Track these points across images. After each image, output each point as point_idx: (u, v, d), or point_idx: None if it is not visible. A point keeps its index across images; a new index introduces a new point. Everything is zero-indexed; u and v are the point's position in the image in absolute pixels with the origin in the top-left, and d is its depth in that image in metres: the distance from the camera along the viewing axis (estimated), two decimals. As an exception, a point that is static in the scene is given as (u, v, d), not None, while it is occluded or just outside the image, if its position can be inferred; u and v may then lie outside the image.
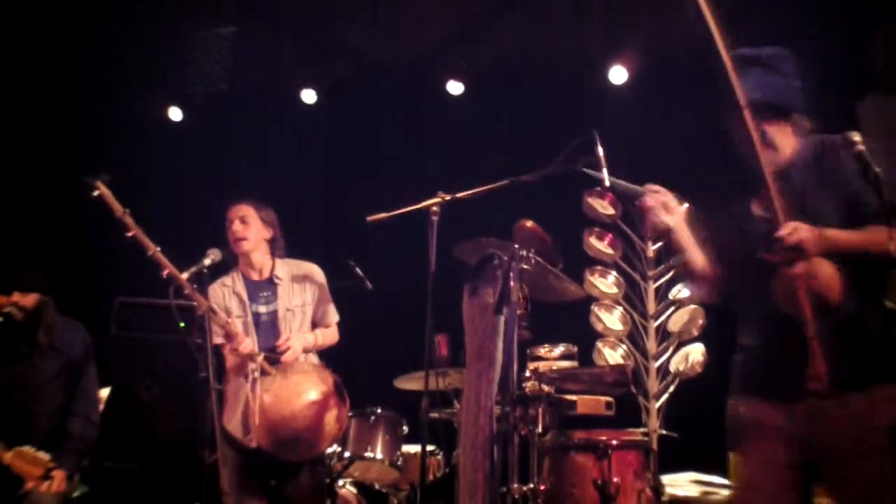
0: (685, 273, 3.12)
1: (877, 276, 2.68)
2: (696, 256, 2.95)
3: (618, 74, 6.32)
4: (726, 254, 2.91)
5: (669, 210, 2.95)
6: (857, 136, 2.66)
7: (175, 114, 7.27)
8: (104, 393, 4.92)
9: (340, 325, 4.64)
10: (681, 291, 5.44)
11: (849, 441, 2.56)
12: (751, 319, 2.90)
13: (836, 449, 2.59)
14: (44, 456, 4.01)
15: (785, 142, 2.81)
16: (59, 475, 4.05)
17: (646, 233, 5.47)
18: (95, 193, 3.76)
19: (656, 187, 2.98)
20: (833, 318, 2.55)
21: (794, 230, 2.55)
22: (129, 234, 3.81)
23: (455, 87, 6.75)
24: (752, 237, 2.73)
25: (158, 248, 3.84)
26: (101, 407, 4.71)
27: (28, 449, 4.01)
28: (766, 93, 2.72)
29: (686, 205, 3.08)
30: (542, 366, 4.31)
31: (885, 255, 2.52)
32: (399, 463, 4.93)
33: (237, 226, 4.43)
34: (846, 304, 2.56)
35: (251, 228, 4.44)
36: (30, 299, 4.26)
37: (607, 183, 3.25)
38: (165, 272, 3.84)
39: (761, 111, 2.70)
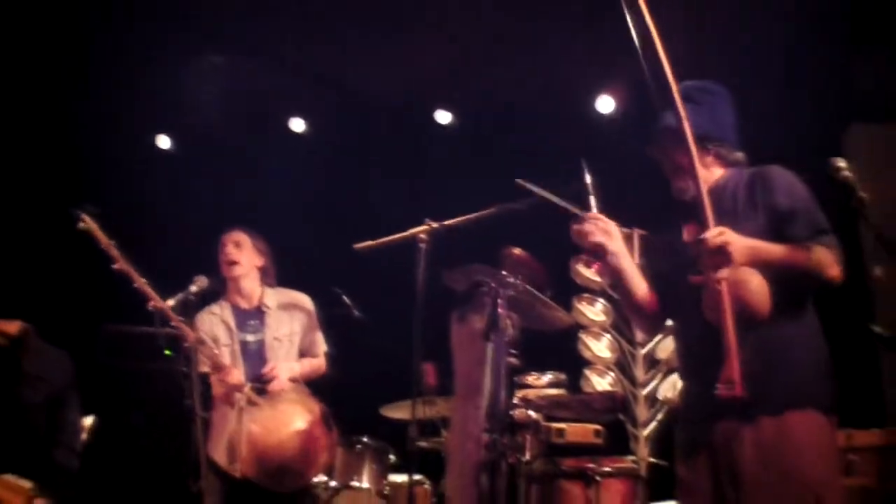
0: (624, 304, 3.07)
1: (804, 300, 2.66)
2: (637, 283, 2.92)
3: (605, 104, 6.40)
4: (661, 280, 2.91)
5: (609, 235, 2.88)
6: (842, 163, 2.68)
7: (164, 142, 7.29)
8: (88, 421, 4.87)
9: (328, 353, 4.62)
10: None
11: (757, 467, 2.51)
12: (682, 350, 2.91)
13: (745, 475, 2.53)
14: (26, 484, 3.97)
15: (703, 170, 2.74)
16: (41, 504, 4.01)
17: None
18: (81, 225, 3.78)
19: (597, 215, 2.91)
20: (758, 335, 2.48)
21: (721, 233, 2.49)
22: (116, 266, 3.82)
23: (443, 117, 6.82)
24: (683, 261, 2.69)
25: (145, 280, 3.84)
26: (86, 435, 4.66)
27: (10, 477, 3.97)
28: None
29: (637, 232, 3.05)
30: (530, 393, 4.30)
31: (808, 272, 2.53)
32: (386, 492, 4.88)
33: (230, 249, 4.46)
34: (774, 324, 2.49)
35: (244, 253, 4.48)
36: (13, 326, 4.23)
37: (548, 196, 3.24)
38: (151, 304, 3.84)
39: (675, 138, 2.66)
